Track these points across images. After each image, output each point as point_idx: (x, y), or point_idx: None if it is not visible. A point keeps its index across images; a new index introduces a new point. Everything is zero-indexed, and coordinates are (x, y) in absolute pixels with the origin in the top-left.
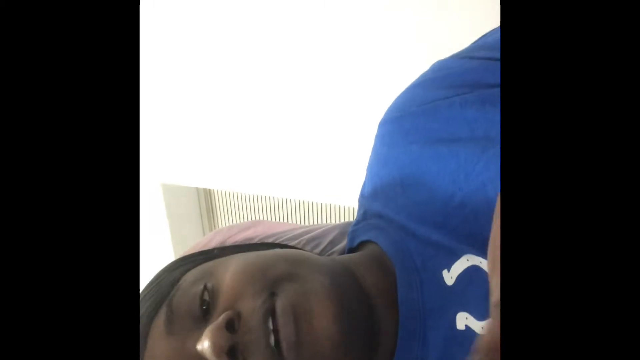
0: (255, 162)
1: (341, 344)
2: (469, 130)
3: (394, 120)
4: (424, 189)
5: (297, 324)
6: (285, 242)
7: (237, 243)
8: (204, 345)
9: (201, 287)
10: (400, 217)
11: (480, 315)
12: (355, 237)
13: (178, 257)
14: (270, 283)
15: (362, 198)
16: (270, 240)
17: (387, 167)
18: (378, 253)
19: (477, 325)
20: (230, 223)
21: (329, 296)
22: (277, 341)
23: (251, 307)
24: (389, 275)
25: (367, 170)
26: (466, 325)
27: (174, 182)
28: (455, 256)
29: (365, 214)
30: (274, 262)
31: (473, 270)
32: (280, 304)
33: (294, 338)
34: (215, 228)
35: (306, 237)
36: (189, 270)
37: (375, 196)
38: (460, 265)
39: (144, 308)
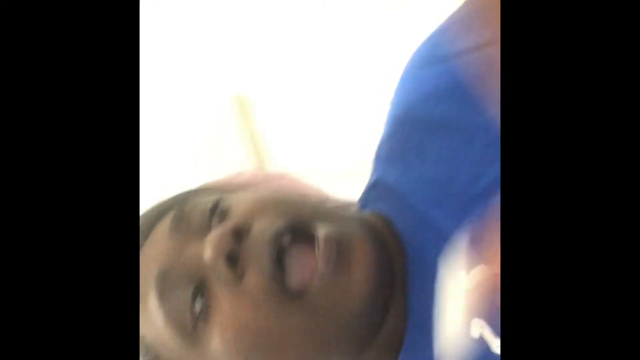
0: None
1: (367, 299)
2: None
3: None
4: (446, 162)
5: (337, 258)
6: None
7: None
8: (206, 247)
9: (215, 198)
10: (417, 198)
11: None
12: (367, 204)
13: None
14: (298, 214)
15: (378, 160)
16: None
17: (407, 126)
18: (389, 229)
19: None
20: None
21: (369, 243)
22: (282, 265)
23: (266, 224)
24: (402, 256)
25: (386, 123)
26: (481, 335)
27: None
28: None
29: (378, 181)
30: (304, 199)
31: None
32: (322, 232)
33: (329, 271)
34: None
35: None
36: (202, 194)
37: (392, 160)
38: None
39: (153, 210)
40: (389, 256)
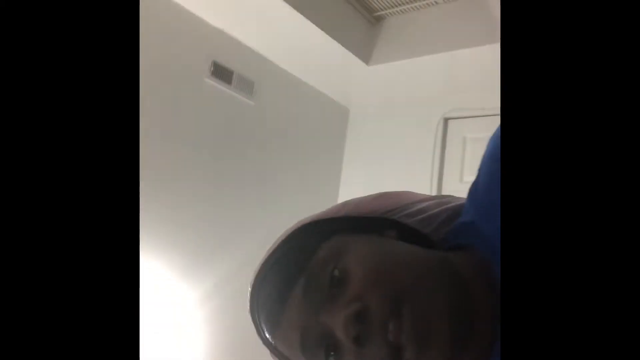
0: None
1: (452, 348)
2: None
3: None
4: None
5: (419, 336)
6: (402, 219)
7: (362, 214)
8: (336, 327)
9: (331, 271)
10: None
11: None
12: (462, 235)
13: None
14: (396, 290)
15: (475, 191)
16: (391, 215)
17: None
18: (484, 263)
19: None
20: None
21: (446, 319)
22: (396, 339)
23: (378, 304)
24: (489, 281)
25: (484, 157)
26: None
27: None
28: None
29: (475, 224)
30: (400, 270)
31: None
32: (406, 319)
33: (415, 342)
34: None
35: (421, 216)
36: (321, 240)
37: (496, 198)
38: None
39: (279, 269)
40: (469, 300)
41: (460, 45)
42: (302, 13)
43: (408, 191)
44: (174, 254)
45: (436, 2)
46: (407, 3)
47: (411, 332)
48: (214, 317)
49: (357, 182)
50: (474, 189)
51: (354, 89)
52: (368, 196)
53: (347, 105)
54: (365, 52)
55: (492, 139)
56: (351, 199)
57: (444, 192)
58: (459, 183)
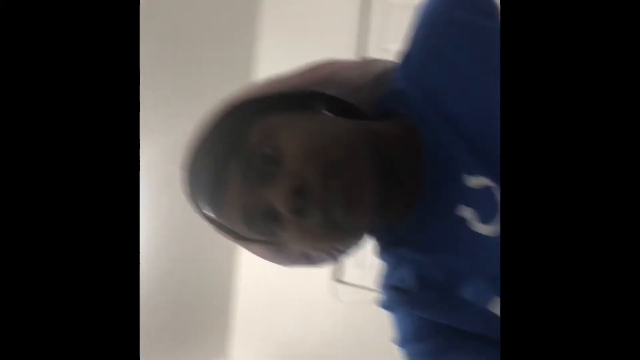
0: None
1: (375, 209)
2: None
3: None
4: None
5: (346, 203)
6: (331, 91)
7: (290, 90)
8: (276, 204)
9: (266, 150)
10: (453, 108)
11: (486, 219)
12: (392, 102)
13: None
14: (327, 164)
15: (407, 60)
16: (320, 88)
17: (460, 45)
18: (412, 130)
19: (477, 224)
20: None
21: (369, 184)
22: (329, 206)
23: (312, 178)
24: (417, 145)
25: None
26: (467, 217)
27: None
28: (485, 171)
29: (403, 91)
30: (329, 145)
31: (488, 189)
32: (334, 188)
33: (344, 208)
34: None
35: (349, 86)
36: (252, 120)
37: (429, 67)
38: (479, 181)
39: (213, 152)
40: (397, 157)
41: None
42: None
43: (335, 60)
44: None
45: None
46: None
47: (338, 198)
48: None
49: (275, 55)
50: (406, 57)
51: None
52: (295, 70)
53: None
54: None
55: (427, 5)
56: (277, 75)
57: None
58: (380, 52)
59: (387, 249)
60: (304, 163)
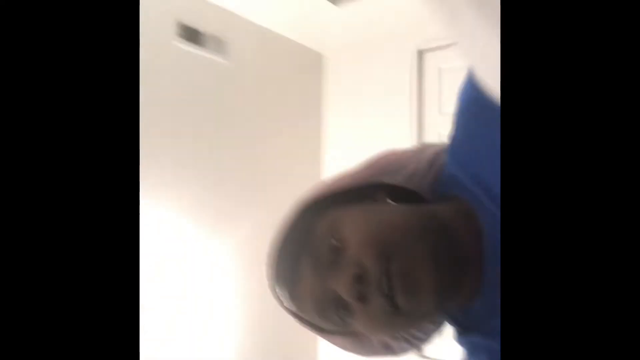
0: None
1: (437, 292)
2: None
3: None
4: None
5: (406, 288)
6: (389, 180)
7: (353, 185)
8: (342, 288)
9: (331, 242)
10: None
11: None
12: (447, 187)
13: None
14: (385, 249)
15: (453, 146)
16: (379, 179)
17: (493, 127)
18: (469, 212)
19: None
20: None
21: (431, 268)
22: (391, 291)
23: (372, 264)
24: (476, 228)
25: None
26: None
27: None
28: None
29: (455, 176)
30: (388, 230)
31: None
32: (395, 273)
33: (405, 293)
34: None
35: (405, 174)
36: (319, 219)
37: (472, 152)
38: None
39: (288, 249)
40: (455, 243)
41: None
42: None
43: (392, 150)
44: None
45: None
46: None
47: (399, 283)
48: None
49: (341, 128)
50: (452, 143)
51: (326, 33)
52: (356, 166)
53: (320, 51)
54: None
55: (464, 90)
56: (339, 174)
57: (424, 126)
58: (438, 115)
59: (463, 333)
60: (363, 250)
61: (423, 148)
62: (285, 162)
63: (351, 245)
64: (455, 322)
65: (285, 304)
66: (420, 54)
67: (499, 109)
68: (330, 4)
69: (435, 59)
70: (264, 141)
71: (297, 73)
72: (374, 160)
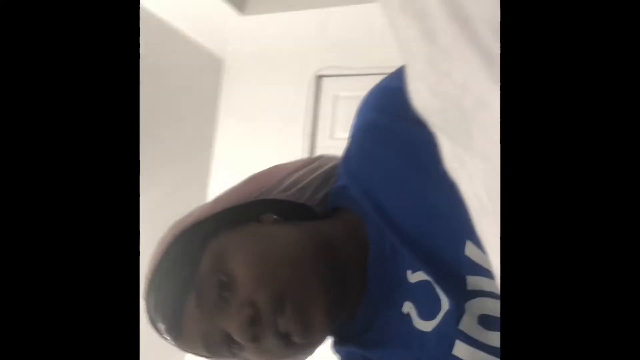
0: None
1: (332, 320)
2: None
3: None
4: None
5: (302, 326)
6: (277, 195)
7: (236, 203)
8: (234, 332)
9: (219, 277)
10: (388, 207)
11: (425, 316)
12: (338, 199)
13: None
14: (278, 288)
15: (347, 159)
16: (266, 195)
17: (387, 149)
18: (357, 225)
19: (417, 320)
20: None
21: (324, 300)
22: (286, 331)
23: (265, 305)
24: (363, 241)
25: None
26: (408, 313)
27: None
28: (422, 266)
29: (347, 187)
30: (278, 265)
31: (427, 283)
32: (289, 313)
33: (300, 331)
34: None
35: (295, 188)
36: (202, 247)
37: (365, 168)
38: (419, 276)
39: (168, 283)
40: (340, 266)
41: (335, 2)
42: None
43: (278, 165)
44: None
45: None
46: None
47: (294, 321)
48: None
49: (232, 137)
50: (346, 156)
51: (229, 40)
52: (239, 183)
53: (221, 55)
54: (239, 0)
55: (362, 110)
56: (222, 192)
57: (316, 148)
58: (329, 140)
59: (339, 343)
60: (255, 289)
61: (317, 158)
62: (171, 171)
63: (240, 283)
64: (333, 333)
65: (167, 339)
66: (319, 78)
67: (398, 132)
68: (234, 12)
69: (333, 83)
70: (152, 135)
71: (194, 74)
72: (257, 175)
